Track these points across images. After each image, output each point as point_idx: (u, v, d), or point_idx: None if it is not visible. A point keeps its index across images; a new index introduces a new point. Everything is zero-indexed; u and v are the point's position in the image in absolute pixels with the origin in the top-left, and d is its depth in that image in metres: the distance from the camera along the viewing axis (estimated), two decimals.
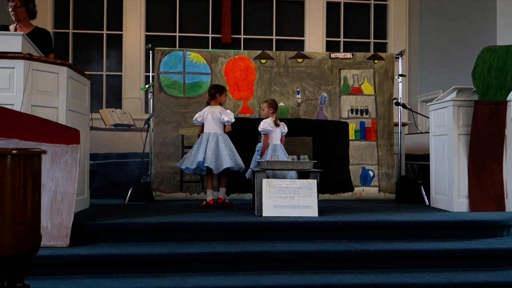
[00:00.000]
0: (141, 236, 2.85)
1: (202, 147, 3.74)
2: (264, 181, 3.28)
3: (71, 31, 7.55)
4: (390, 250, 2.72)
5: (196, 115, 3.91)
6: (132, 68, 7.55)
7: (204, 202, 3.83)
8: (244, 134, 4.21)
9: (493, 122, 3.56)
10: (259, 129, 3.90)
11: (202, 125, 3.88)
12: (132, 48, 7.57)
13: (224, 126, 3.84)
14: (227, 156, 3.71)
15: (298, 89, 4.60)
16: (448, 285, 2.43)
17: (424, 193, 4.13)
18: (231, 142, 3.85)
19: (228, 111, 3.89)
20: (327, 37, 7.95)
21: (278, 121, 3.93)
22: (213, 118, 3.82)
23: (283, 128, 3.95)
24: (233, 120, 3.84)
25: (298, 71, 4.61)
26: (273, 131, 3.88)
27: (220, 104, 3.94)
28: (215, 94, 3.91)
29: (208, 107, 3.91)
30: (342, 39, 8.04)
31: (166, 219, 3.02)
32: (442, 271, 2.63)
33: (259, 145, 4.02)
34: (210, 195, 3.83)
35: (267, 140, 3.90)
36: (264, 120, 3.90)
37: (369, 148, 4.60)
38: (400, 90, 4.66)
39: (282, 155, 3.79)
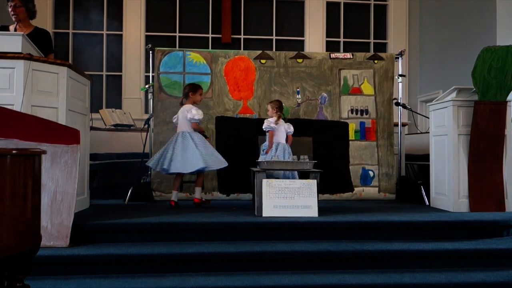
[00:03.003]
0: (141, 236, 2.85)
1: (170, 148, 3.73)
2: (264, 181, 3.27)
3: (71, 31, 7.55)
4: (390, 250, 2.72)
5: (174, 117, 3.91)
6: (132, 68, 7.55)
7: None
8: (244, 134, 4.21)
9: (493, 122, 3.56)
10: (263, 127, 3.95)
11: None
12: (132, 48, 7.57)
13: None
14: (195, 157, 3.64)
15: (298, 89, 4.59)
16: (448, 285, 2.43)
17: (424, 193, 4.13)
18: (202, 139, 3.77)
19: (195, 108, 3.79)
20: (327, 37, 7.95)
21: (280, 120, 3.96)
22: (183, 117, 3.79)
23: (288, 127, 4.00)
24: (197, 117, 3.75)
25: (298, 71, 4.60)
26: (277, 128, 3.93)
27: (194, 103, 3.89)
28: (188, 93, 3.89)
29: (182, 106, 3.87)
30: (342, 39, 8.04)
31: (166, 219, 3.01)
32: (442, 271, 2.63)
33: (264, 145, 4.05)
34: (174, 196, 3.81)
35: (272, 136, 3.93)
36: (267, 119, 3.99)
37: (369, 148, 4.59)
38: (400, 90, 4.66)
39: (282, 155, 3.81)
